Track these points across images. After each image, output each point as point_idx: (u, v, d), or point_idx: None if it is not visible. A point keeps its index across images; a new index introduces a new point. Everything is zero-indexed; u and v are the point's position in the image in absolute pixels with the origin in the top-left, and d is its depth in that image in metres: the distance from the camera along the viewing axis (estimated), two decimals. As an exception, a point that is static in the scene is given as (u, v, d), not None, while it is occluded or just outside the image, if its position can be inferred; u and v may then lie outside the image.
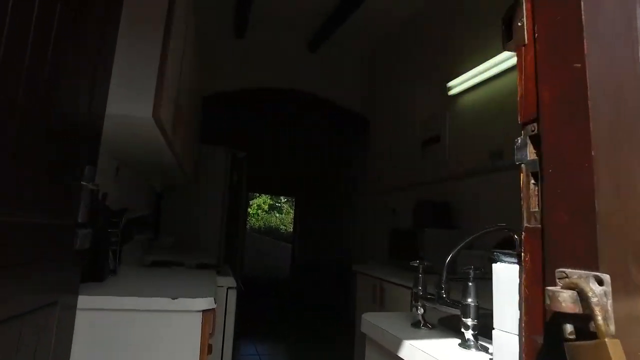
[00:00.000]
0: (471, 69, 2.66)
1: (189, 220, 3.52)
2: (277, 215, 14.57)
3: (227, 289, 2.04)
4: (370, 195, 4.15)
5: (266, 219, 14.04)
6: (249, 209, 13.15)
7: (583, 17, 0.53)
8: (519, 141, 0.65)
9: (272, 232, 13.05)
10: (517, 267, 0.66)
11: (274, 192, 9.18)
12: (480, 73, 2.58)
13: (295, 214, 9.19)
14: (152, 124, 1.30)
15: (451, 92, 2.86)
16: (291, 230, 9.48)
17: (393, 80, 3.91)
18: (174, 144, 1.66)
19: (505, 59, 2.36)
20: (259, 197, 14.21)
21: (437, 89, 3.05)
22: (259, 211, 14.46)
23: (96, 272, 1.31)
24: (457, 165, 2.74)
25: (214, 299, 1.27)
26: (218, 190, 3.59)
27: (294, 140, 9.13)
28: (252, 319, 4.74)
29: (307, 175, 9.06)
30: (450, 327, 1.03)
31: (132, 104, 1.25)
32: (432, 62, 3.23)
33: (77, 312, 1.11)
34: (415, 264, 1.14)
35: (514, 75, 2.46)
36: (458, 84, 2.79)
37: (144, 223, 2.48)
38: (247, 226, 12.51)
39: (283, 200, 14.55)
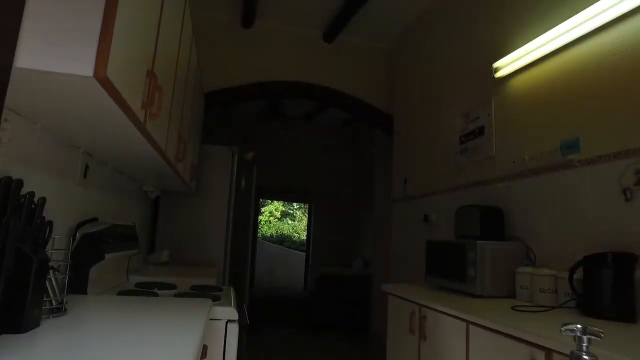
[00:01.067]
0: (524, 43, 2.17)
1: (189, 231, 3.07)
2: (290, 222, 14.11)
3: (227, 322, 1.57)
4: (396, 201, 3.66)
5: (278, 227, 13.59)
6: (260, 216, 12.72)
7: None
8: None
9: (284, 240, 12.60)
10: None
11: (287, 199, 8.72)
12: (539, 47, 2.08)
13: (309, 221, 8.72)
14: (97, 86, 0.85)
15: (498, 75, 2.37)
16: (304, 237, 9.02)
17: (422, 68, 3.42)
18: (147, 124, 1.20)
19: (577, 26, 1.87)
20: (270, 203, 13.79)
21: (479, 72, 2.56)
22: (271, 218, 14.02)
23: (12, 318, 0.86)
24: (507, 162, 2.24)
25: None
26: (223, 196, 3.14)
27: (309, 142, 8.68)
28: (261, 350, 4.27)
29: (322, 179, 8.60)
30: None
31: (66, 57, 0.80)
32: (472, 40, 2.74)
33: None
34: (573, 329, 0.66)
35: (590, 45, 1.99)
36: (507, 64, 2.30)
37: (130, 236, 2.03)
38: (259, 234, 12.08)
39: (296, 207, 14.10)
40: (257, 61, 3.91)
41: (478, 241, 1.90)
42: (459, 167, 2.71)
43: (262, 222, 13.33)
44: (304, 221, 9.35)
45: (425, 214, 2.98)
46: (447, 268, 2.10)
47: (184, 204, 3.10)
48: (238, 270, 3.37)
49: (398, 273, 3.48)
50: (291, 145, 8.61)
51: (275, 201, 13.45)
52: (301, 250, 10.35)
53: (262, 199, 8.76)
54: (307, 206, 9.11)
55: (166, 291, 1.80)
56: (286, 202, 13.91)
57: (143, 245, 2.87)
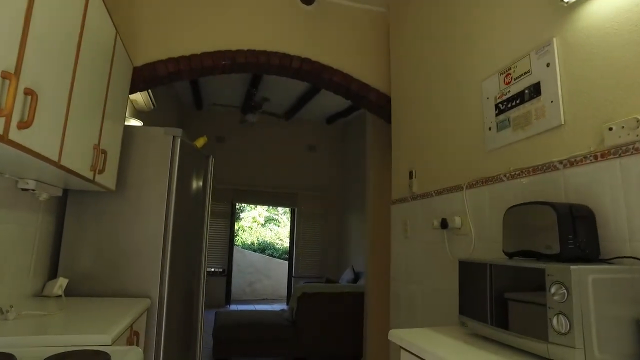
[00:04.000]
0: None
1: (109, 247, 2.16)
2: (275, 227, 13.17)
3: None
4: (397, 202, 2.80)
5: (259, 233, 12.64)
6: (240, 223, 11.77)
7: None
8: None
9: (266, 248, 11.68)
10: None
11: (268, 203, 7.84)
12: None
13: (292, 227, 7.82)
14: None
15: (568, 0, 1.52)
16: (288, 244, 8.13)
17: (431, 24, 2.58)
18: None
19: None
20: (253, 208, 12.84)
21: (530, 1, 1.71)
22: (253, 224, 13.07)
23: None
24: (586, 134, 1.40)
25: None
26: (159, 198, 2.24)
27: (291, 141, 7.78)
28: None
29: (307, 182, 7.71)
30: None
31: None
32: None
33: None
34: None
35: None
36: (580, -18, 1.46)
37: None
38: (238, 243, 11.12)
39: (281, 212, 13.17)
40: (216, 25, 3.03)
41: (572, 266, 1.04)
42: (494, 149, 1.86)
43: (243, 229, 12.38)
44: (289, 226, 8.47)
45: (443, 218, 2.12)
46: (505, 311, 1.24)
47: (102, 208, 2.19)
48: (187, 301, 2.47)
49: (402, 295, 2.62)
50: (272, 145, 7.72)
51: (257, 206, 12.53)
52: (285, 259, 9.45)
53: (240, 203, 7.84)
54: (291, 209, 8.23)
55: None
56: (270, 207, 13.00)
57: (37, 269, 1.95)
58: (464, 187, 2.04)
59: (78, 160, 1.52)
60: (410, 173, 2.59)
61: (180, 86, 6.36)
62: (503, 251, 1.44)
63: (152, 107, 4.02)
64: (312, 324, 4.05)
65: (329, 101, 6.69)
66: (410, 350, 1.30)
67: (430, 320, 2.27)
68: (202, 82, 6.17)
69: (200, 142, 2.59)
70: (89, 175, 1.68)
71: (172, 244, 2.21)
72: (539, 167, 1.58)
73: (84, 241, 2.14)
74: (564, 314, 1.03)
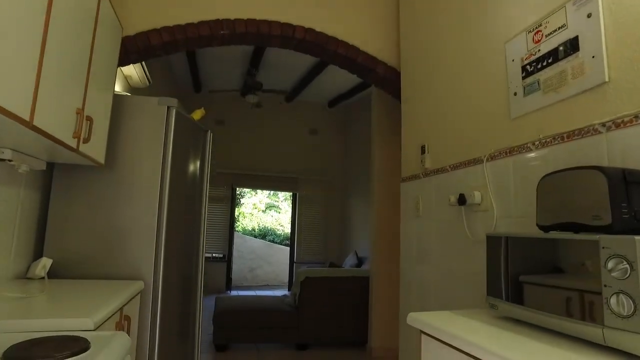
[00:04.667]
0: None
1: (98, 226, 2.00)
2: (276, 213, 13.03)
3: None
4: (407, 179, 2.63)
5: (260, 219, 12.51)
6: (238, 208, 11.63)
7: None
8: None
9: (267, 234, 11.56)
10: None
11: (269, 187, 7.69)
12: None
13: (293, 212, 7.68)
14: None
15: (611, -62, 1.34)
16: (289, 230, 7.99)
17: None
18: None
19: None
20: (254, 194, 12.69)
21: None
22: (254, 211, 12.92)
23: None
24: (636, 92, 1.22)
25: None
26: (153, 173, 2.07)
27: (293, 124, 7.56)
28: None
29: (308, 166, 7.53)
30: None
31: None
32: None
33: None
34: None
35: None
36: None
37: None
38: (239, 229, 11.00)
39: (282, 199, 13.02)
40: (212, -9, 2.83)
41: (637, 237, 0.87)
42: (520, 116, 1.68)
43: (244, 215, 12.26)
44: (289, 213, 8.31)
45: (460, 194, 1.95)
46: (546, 291, 1.08)
47: (91, 184, 2.02)
48: (185, 286, 2.31)
49: (412, 278, 2.47)
50: (272, 129, 7.52)
51: (257, 190, 12.38)
52: (286, 245, 9.33)
53: (240, 187, 7.68)
54: (292, 194, 8.08)
55: None
56: (271, 194, 12.87)
57: (20, 250, 1.79)
58: (485, 160, 1.86)
59: (56, 123, 1.35)
60: (423, 148, 2.42)
61: (178, 68, 6.14)
62: (537, 225, 1.27)
63: (147, 83, 3.83)
64: (315, 310, 3.92)
65: (331, 83, 6.48)
66: (437, 337, 1.14)
67: (444, 305, 2.12)
68: (200, 64, 5.95)
69: (197, 114, 2.41)
70: (72, 143, 1.51)
71: (167, 223, 2.05)
72: (576, 131, 1.41)
73: (72, 220, 1.98)
74: (626, 294, 0.87)
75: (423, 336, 1.23)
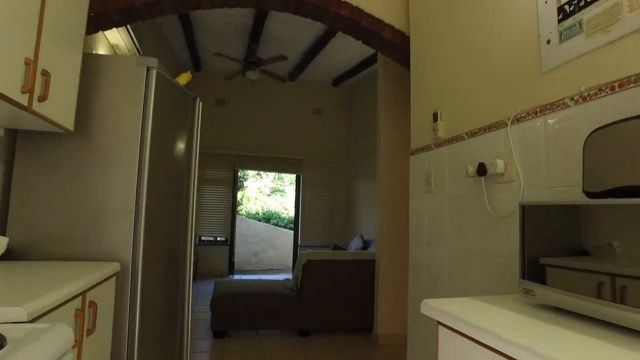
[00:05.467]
0: None
1: (68, 201, 1.77)
2: (281, 197, 12.83)
3: None
4: (417, 151, 2.38)
5: (264, 202, 12.31)
6: (240, 191, 11.42)
7: None
8: None
9: (271, 217, 11.37)
10: None
11: (272, 169, 7.47)
12: None
13: (297, 194, 7.45)
14: None
15: None
16: (292, 214, 7.78)
17: None
18: None
19: None
20: (259, 178, 12.47)
21: None
22: (259, 195, 12.72)
23: None
24: None
25: None
26: (130, 142, 1.83)
27: (296, 104, 7.25)
28: None
29: (312, 147, 7.26)
30: None
31: None
32: None
33: None
34: None
35: None
36: None
37: None
38: (242, 212, 10.83)
39: (287, 183, 12.80)
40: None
41: None
42: (554, 68, 1.41)
43: (248, 199, 12.07)
44: (294, 196, 8.09)
45: (480, 163, 1.69)
46: (596, 272, 0.83)
47: (60, 155, 1.79)
48: (171, 269, 2.10)
49: (423, 261, 2.23)
50: (275, 109, 7.24)
51: (262, 175, 12.17)
52: (290, 229, 9.14)
53: (242, 169, 7.45)
54: (296, 176, 7.84)
55: None
56: (277, 178, 12.65)
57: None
58: (509, 122, 1.60)
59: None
60: (435, 115, 2.15)
61: (176, 46, 5.87)
62: (584, 192, 1.02)
63: (137, 54, 3.57)
64: (318, 294, 3.71)
65: (335, 60, 6.19)
66: (458, 329, 0.91)
67: (459, 291, 1.89)
68: (199, 41, 5.67)
69: (183, 78, 2.16)
70: (21, 99, 1.27)
71: (147, 198, 1.82)
72: (633, 78, 1.14)
73: (39, 194, 1.75)
74: None
75: (441, 329, 0.99)
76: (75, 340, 1.21)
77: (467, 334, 0.87)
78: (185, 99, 2.26)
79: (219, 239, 6.89)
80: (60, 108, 1.58)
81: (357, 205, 6.82)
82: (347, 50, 5.74)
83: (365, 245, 5.34)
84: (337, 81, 7.24)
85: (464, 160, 1.88)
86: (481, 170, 1.68)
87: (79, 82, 1.73)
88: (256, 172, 12.05)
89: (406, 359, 2.44)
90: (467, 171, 1.75)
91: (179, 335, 2.20)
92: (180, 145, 2.22)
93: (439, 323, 1.00)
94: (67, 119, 1.65)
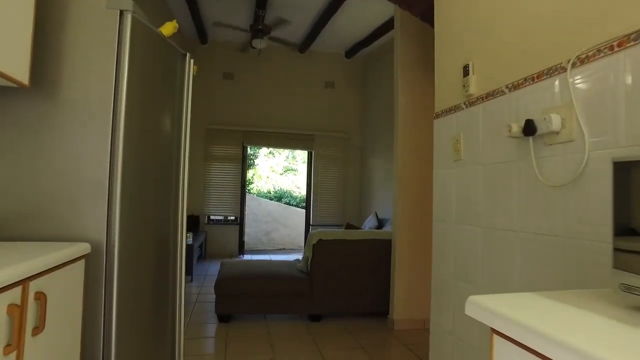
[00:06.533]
0: None
1: (30, 171, 1.49)
2: (293, 176, 12.55)
3: None
4: (442, 114, 2.03)
5: (276, 181, 12.05)
6: (252, 169, 11.17)
7: None
8: None
9: (283, 196, 11.13)
10: None
11: (282, 145, 7.16)
12: None
13: (309, 172, 7.15)
14: None
15: None
16: (305, 192, 7.49)
17: None
18: None
19: None
20: (272, 157, 12.19)
21: None
22: (271, 174, 12.46)
23: None
24: None
25: None
26: (102, 102, 1.53)
27: (307, 78, 6.85)
28: None
29: (325, 122, 6.89)
30: None
31: None
32: None
33: None
34: None
35: None
36: None
37: None
38: (252, 191, 10.60)
39: (300, 161, 12.49)
40: None
41: None
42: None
43: (259, 178, 11.82)
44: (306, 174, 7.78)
45: (528, 119, 1.35)
46: None
47: (16, 116, 1.50)
48: (159, 251, 1.82)
49: (449, 241, 1.91)
50: (285, 82, 6.87)
51: (274, 153, 11.89)
52: (302, 207, 8.88)
53: (251, 146, 7.16)
54: (308, 152, 7.53)
55: None
56: (290, 157, 12.35)
57: None
58: (569, 65, 1.25)
59: None
60: (466, 68, 1.80)
61: (181, 18, 5.51)
62: None
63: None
64: (330, 276, 3.44)
65: (348, 28, 5.77)
66: (532, 347, 0.59)
67: (496, 280, 1.57)
68: (203, 11, 5.32)
69: (167, 28, 1.83)
70: None
71: (123, 166, 1.53)
72: None
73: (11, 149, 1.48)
74: None
75: (498, 340, 0.68)
76: (9, 345, 0.93)
77: (550, 358, 0.56)
78: (171, 54, 1.94)
79: (229, 218, 6.67)
80: (8, 57, 1.28)
81: (371, 182, 6.50)
82: (359, 17, 5.33)
83: (380, 224, 5.04)
84: (350, 52, 6.83)
85: (505, 120, 1.54)
86: (529, 128, 1.34)
87: (35, 28, 1.43)
88: (268, 151, 11.78)
89: (427, 349, 2.16)
90: (509, 130, 1.41)
91: (170, 329, 1.95)
92: (167, 110, 1.91)
93: (495, 331, 0.70)
94: (19, 70, 1.35)
